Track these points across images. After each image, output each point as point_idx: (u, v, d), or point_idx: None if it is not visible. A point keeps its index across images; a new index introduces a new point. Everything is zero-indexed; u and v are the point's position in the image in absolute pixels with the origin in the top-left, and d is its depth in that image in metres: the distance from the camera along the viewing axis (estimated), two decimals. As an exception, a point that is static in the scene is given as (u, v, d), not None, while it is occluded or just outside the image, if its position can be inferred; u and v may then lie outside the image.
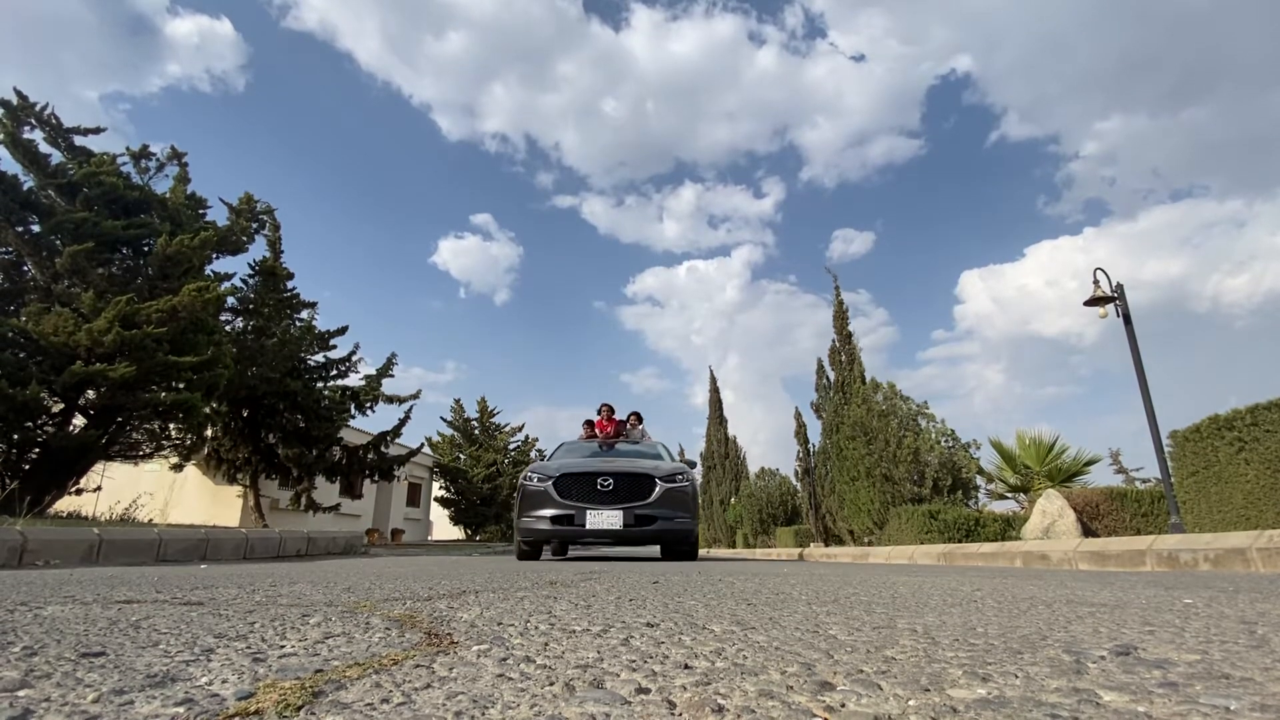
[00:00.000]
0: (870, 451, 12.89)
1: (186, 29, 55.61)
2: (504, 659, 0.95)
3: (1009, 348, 74.13)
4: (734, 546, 22.93)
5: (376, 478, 16.78)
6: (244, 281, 14.79)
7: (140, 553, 5.00)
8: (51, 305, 8.89)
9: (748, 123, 70.66)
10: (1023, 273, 65.23)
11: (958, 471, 12.62)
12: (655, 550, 10.51)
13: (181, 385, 9.98)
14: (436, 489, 26.96)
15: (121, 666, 0.88)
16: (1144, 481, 19.07)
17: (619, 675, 0.84)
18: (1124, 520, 9.27)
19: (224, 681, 0.80)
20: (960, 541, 9.28)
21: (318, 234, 59.34)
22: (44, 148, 9.75)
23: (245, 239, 12.24)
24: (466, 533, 26.01)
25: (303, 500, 14.78)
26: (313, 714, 0.65)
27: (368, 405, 15.74)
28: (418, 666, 0.89)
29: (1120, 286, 8.45)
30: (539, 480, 6.46)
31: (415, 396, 16.63)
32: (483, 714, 0.66)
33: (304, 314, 15.80)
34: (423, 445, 21.57)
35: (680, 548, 6.80)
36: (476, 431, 28.00)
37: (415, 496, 27.02)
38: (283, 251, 15.40)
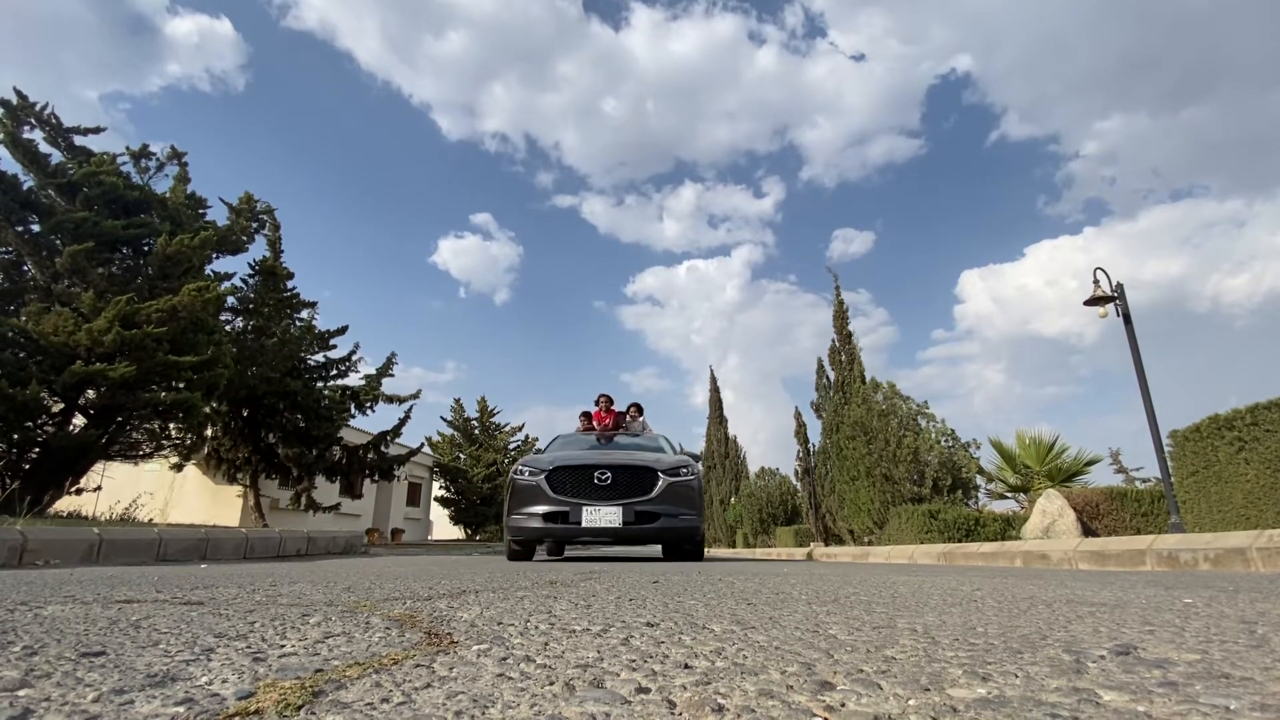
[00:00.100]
0: (870, 451, 12.89)
1: (186, 28, 55.62)
2: (504, 658, 0.95)
3: (1009, 347, 74.15)
4: (734, 546, 22.92)
5: (376, 477, 16.79)
6: (244, 281, 14.81)
7: (140, 552, 5.00)
8: (51, 305, 8.89)
9: (748, 122, 70.68)
10: (1023, 272, 65.25)
11: (958, 471, 12.63)
12: (658, 550, 10.02)
13: (181, 385, 9.98)
14: (436, 489, 26.97)
15: (121, 666, 0.88)
16: (1144, 481, 19.07)
17: (619, 675, 0.84)
18: (1124, 520, 9.27)
19: (224, 681, 0.80)
20: (960, 541, 9.28)
21: (318, 234, 59.36)
22: (44, 147, 9.76)
23: (245, 239, 12.25)
24: (466, 532, 26.02)
25: (303, 500, 14.79)
26: (313, 713, 0.65)
27: (368, 405, 15.75)
28: (418, 666, 0.89)
29: (1120, 286, 8.45)
30: (530, 474, 5.95)
31: (415, 396, 16.65)
32: (483, 713, 0.66)
33: (304, 314, 15.82)
34: (423, 445, 21.59)
35: (684, 547, 6.33)
36: (476, 431, 28.00)
37: (415, 496, 27.02)
38: (283, 251, 15.41)
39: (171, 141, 18.00)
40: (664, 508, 5.71)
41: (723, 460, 25.60)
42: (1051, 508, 9.17)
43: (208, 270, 11.59)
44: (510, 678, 0.82)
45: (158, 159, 11.44)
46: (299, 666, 0.88)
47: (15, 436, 8.47)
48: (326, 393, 15.25)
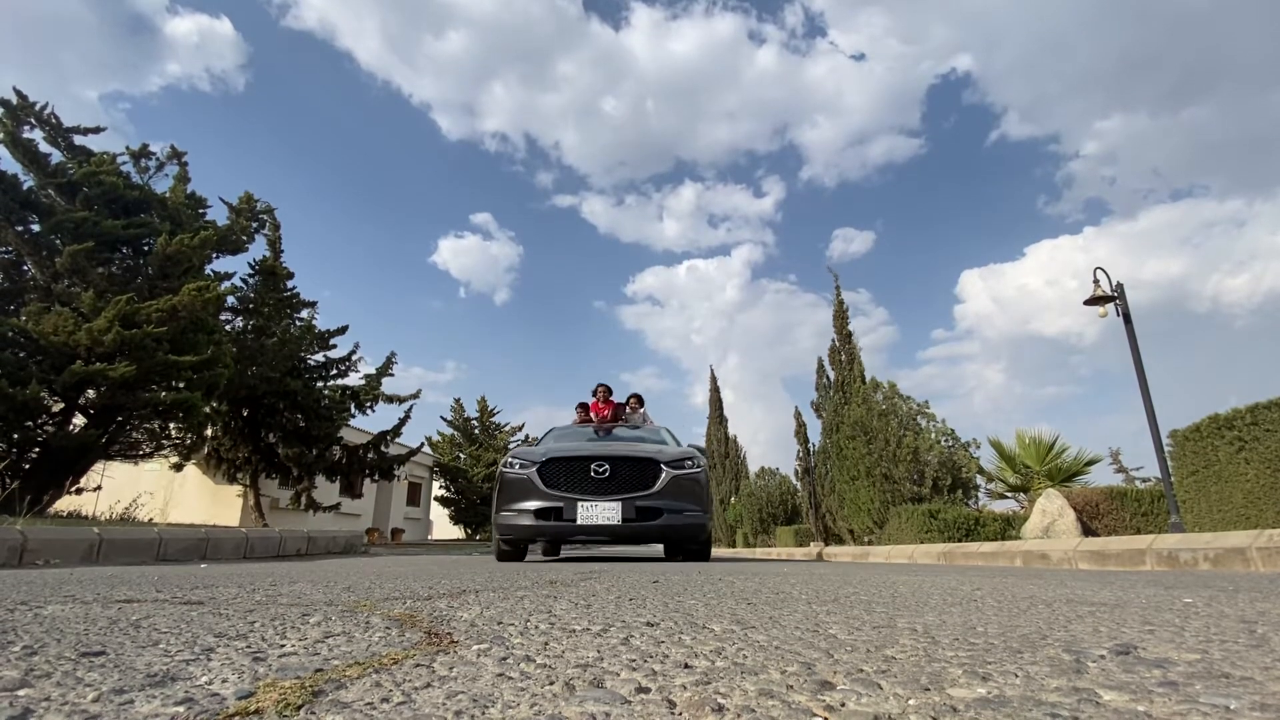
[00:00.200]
0: (870, 451, 12.90)
1: (186, 28, 55.67)
2: (504, 658, 0.95)
3: (1009, 347, 74.21)
4: (734, 546, 22.92)
5: (376, 477, 16.79)
6: (244, 281, 14.82)
7: (140, 552, 5.00)
8: (51, 305, 8.89)
9: (748, 122, 70.76)
10: (1023, 272, 65.31)
11: (957, 471, 12.64)
12: (660, 549, 9.56)
13: (181, 385, 9.98)
14: (436, 488, 26.98)
15: (121, 666, 0.88)
16: (1144, 481, 19.06)
17: (619, 674, 0.84)
18: (1124, 519, 9.27)
19: (224, 681, 0.80)
20: (960, 541, 9.29)
21: (318, 234, 59.43)
22: (44, 147, 9.77)
23: (245, 238, 12.25)
24: (466, 532, 26.02)
25: (303, 500, 14.79)
26: (313, 713, 0.65)
27: (368, 405, 15.75)
28: (418, 666, 0.89)
29: (1120, 286, 8.45)
30: (521, 467, 5.43)
31: (415, 396, 16.66)
32: (483, 713, 0.66)
33: (304, 313, 15.83)
34: (423, 445, 21.59)
35: (689, 546, 5.79)
36: (476, 431, 28.00)
37: (415, 496, 27.03)
38: (283, 251, 15.42)
39: (171, 141, 18.00)
40: (667, 503, 5.24)
41: (723, 460, 25.61)
42: (1051, 507, 9.17)
43: (208, 270, 11.59)
44: (510, 677, 0.82)
45: (158, 159, 11.44)
46: (299, 666, 0.88)
47: (15, 436, 8.47)
48: (326, 392, 15.26)
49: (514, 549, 5.64)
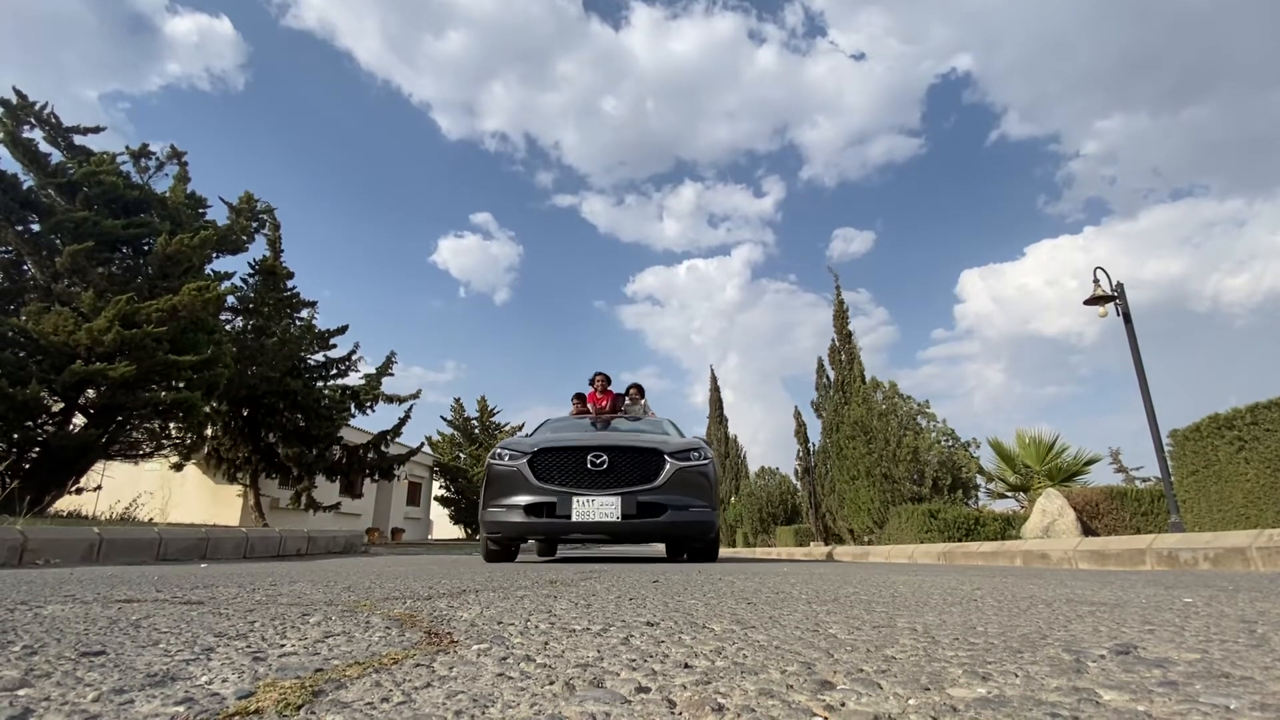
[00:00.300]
0: (870, 451, 12.90)
1: (186, 28, 55.72)
2: (504, 658, 0.95)
3: (1009, 347, 74.22)
4: (734, 546, 22.92)
5: (376, 477, 16.79)
6: (244, 281, 14.82)
7: (140, 552, 5.00)
8: (51, 304, 8.89)
9: (748, 121, 70.82)
10: (1023, 272, 65.35)
11: (957, 471, 12.64)
12: (661, 549, 9.22)
13: (181, 384, 9.98)
14: (436, 488, 26.98)
15: (121, 665, 0.88)
16: (1144, 481, 19.07)
17: (619, 674, 0.84)
18: (1124, 519, 9.27)
19: (224, 680, 0.80)
20: (960, 540, 9.29)
21: (318, 233, 59.53)
22: (44, 147, 9.77)
23: (245, 238, 12.25)
24: (466, 532, 26.01)
25: (303, 499, 14.79)
26: (313, 713, 0.65)
27: (368, 404, 15.75)
28: (418, 665, 0.89)
29: (1120, 286, 8.45)
30: (510, 458, 4.99)
31: (415, 396, 16.65)
32: (483, 713, 0.66)
33: (304, 313, 15.83)
34: (423, 444, 21.58)
35: (695, 545, 5.33)
36: (476, 431, 27.99)
37: (415, 496, 27.03)
38: (283, 251, 15.42)
39: (171, 141, 18.01)
40: (672, 498, 4.79)
41: (723, 460, 25.59)
42: (1051, 507, 9.17)
43: (208, 270, 11.59)
44: (510, 677, 0.82)
45: (157, 158, 11.44)
46: (299, 666, 0.88)
47: (15, 436, 8.47)
48: (326, 392, 15.26)
49: (503, 549, 5.21)
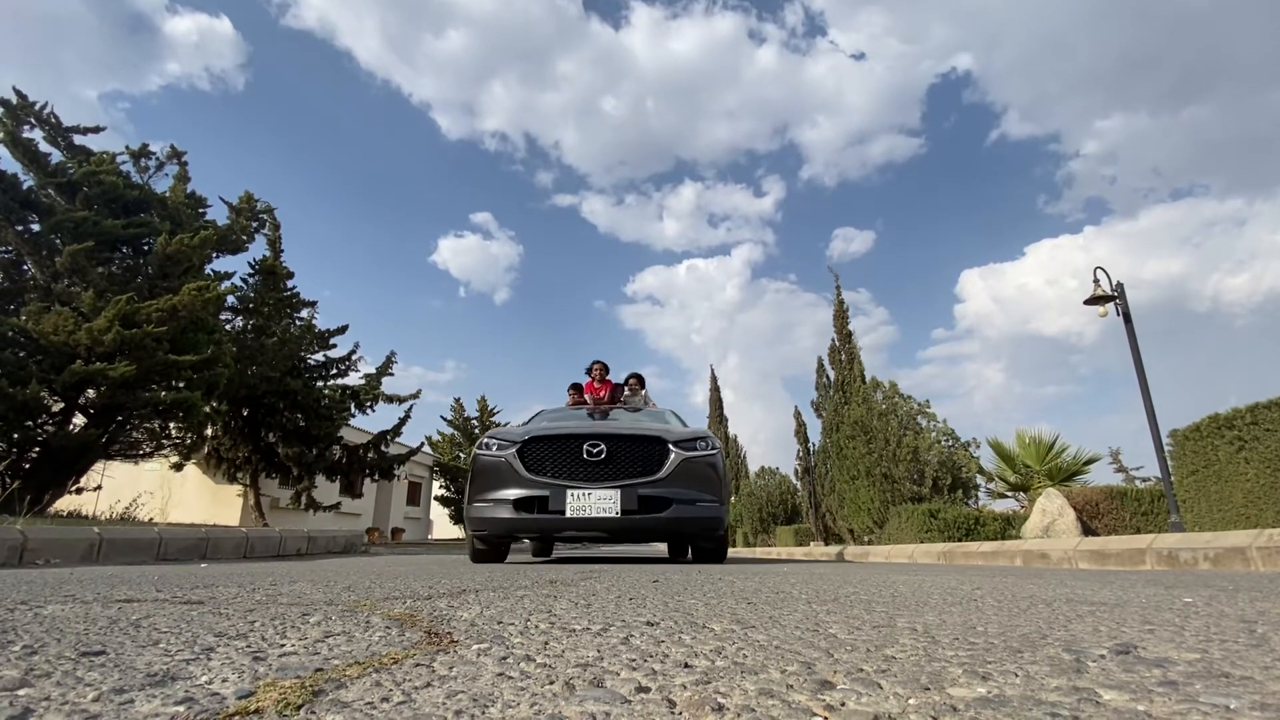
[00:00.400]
0: (870, 450, 12.90)
1: (185, 27, 55.73)
2: (504, 658, 0.95)
3: (1009, 347, 74.25)
4: (734, 546, 22.92)
5: (376, 477, 16.79)
6: (244, 280, 14.82)
7: (140, 552, 5.00)
8: (51, 304, 8.89)
9: (748, 121, 70.85)
10: (1023, 271, 65.38)
11: (957, 470, 12.65)
12: (662, 548, 9.08)
13: (181, 384, 9.98)
14: (436, 488, 26.97)
15: (122, 665, 0.88)
16: (1144, 480, 19.08)
17: (619, 674, 0.84)
18: (1124, 519, 9.27)
19: (224, 680, 0.80)
20: (960, 540, 9.29)
21: (318, 233, 59.58)
22: (44, 147, 9.76)
23: (245, 238, 12.24)
24: (467, 532, 25.99)
25: (303, 499, 14.79)
26: (313, 713, 0.65)
27: (368, 404, 15.75)
28: (418, 665, 0.89)
29: (1120, 285, 8.45)
30: (498, 448, 4.55)
31: (415, 396, 16.65)
32: (483, 713, 0.66)
33: (304, 313, 15.83)
34: (423, 444, 21.58)
35: (703, 544, 4.90)
36: (477, 431, 27.96)
37: (415, 495, 27.03)
38: (283, 250, 15.41)
39: (171, 140, 17.99)
40: (677, 491, 4.35)
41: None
42: (1051, 507, 9.17)
43: (208, 269, 11.58)
44: (510, 677, 0.82)
45: (157, 158, 11.44)
46: (299, 666, 0.88)
47: (15, 436, 8.47)
48: (326, 392, 15.26)
49: (491, 548, 4.78)
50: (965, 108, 59.71)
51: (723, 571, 3.50)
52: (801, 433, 18.09)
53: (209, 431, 13.56)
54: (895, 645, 1.05)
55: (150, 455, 10.82)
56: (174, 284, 9.90)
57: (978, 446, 13.45)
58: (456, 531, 26.74)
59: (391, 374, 16.30)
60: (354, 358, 16.17)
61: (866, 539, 12.95)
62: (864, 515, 12.96)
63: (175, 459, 11.82)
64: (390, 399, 16.17)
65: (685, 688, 0.76)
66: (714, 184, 73.86)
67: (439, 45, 64.33)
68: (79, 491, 9.56)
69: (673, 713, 0.66)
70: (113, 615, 1.43)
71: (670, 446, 4.50)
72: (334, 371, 15.90)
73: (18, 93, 9.63)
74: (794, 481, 20.31)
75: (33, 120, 9.80)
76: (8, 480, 8.26)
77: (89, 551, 4.60)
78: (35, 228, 9.51)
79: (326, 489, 16.57)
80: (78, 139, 10.36)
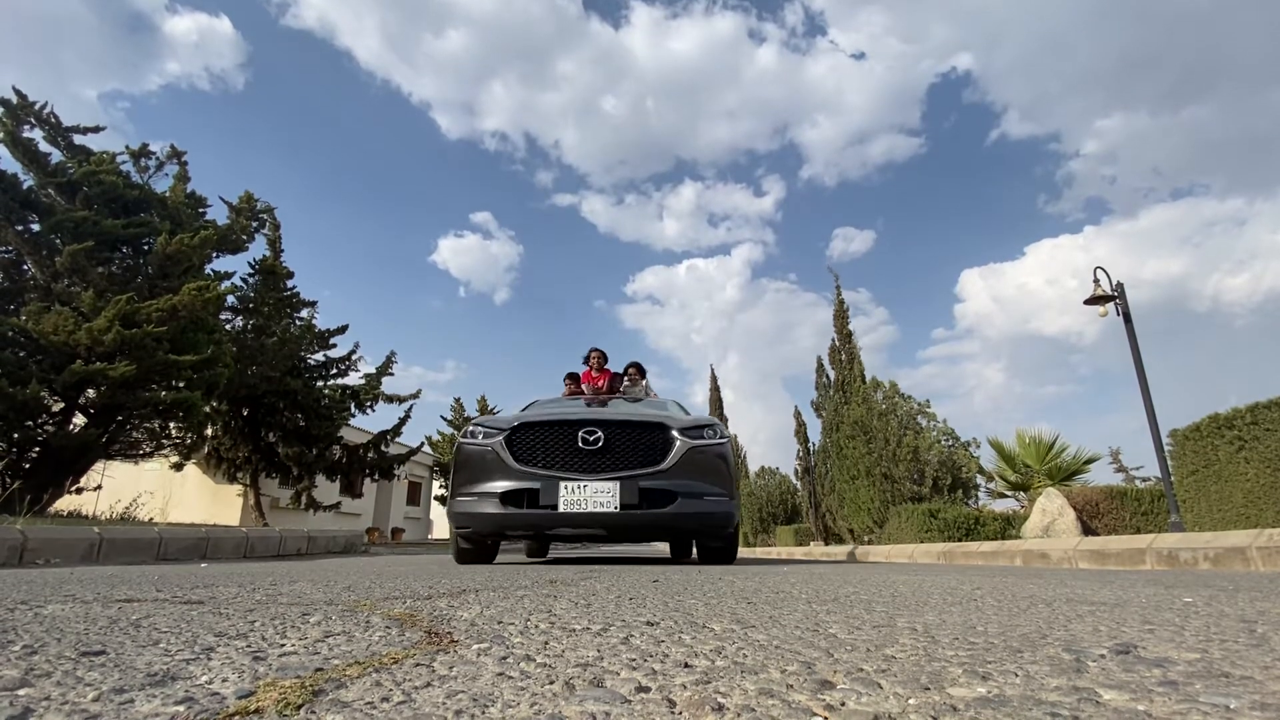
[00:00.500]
0: (870, 450, 12.90)
1: (185, 27, 55.74)
2: (504, 657, 0.95)
3: (1009, 346, 74.28)
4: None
5: (377, 476, 16.79)
6: (244, 280, 14.83)
7: (141, 551, 5.00)
8: (51, 304, 8.89)
9: (748, 121, 70.87)
10: (1023, 271, 65.39)
11: (957, 470, 12.65)
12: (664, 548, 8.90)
13: (182, 384, 9.98)
14: (437, 488, 26.94)
15: (122, 665, 0.88)
16: (1144, 480, 19.09)
17: (619, 674, 0.84)
18: (1124, 519, 9.27)
19: (224, 680, 0.80)
20: (960, 540, 9.29)
21: (318, 232, 59.61)
22: (43, 146, 9.77)
23: (245, 238, 12.25)
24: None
25: (303, 499, 14.80)
26: (313, 712, 0.65)
27: (368, 404, 15.76)
28: (418, 665, 0.89)
29: (1120, 285, 8.45)
30: (484, 436, 4.07)
31: (415, 396, 16.65)
32: (483, 712, 0.66)
33: (304, 313, 15.84)
34: (423, 444, 21.57)
35: (711, 543, 4.46)
36: (476, 430, 27.97)
37: (415, 495, 27.03)
38: (283, 250, 15.42)
39: (171, 140, 17.99)
40: (683, 483, 3.90)
41: (723, 459, 25.59)
42: (1051, 506, 9.17)
43: (208, 269, 11.59)
44: (510, 677, 0.82)
45: (157, 158, 11.44)
46: (299, 665, 0.88)
47: (16, 436, 8.47)
48: (326, 392, 15.27)
49: (477, 547, 4.35)
50: (965, 107, 59.80)
51: (723, 571, 3.50)
52: (801, 432, 18.10)
53: (209, 431, 13.57)
54: (895, 645, 1.05)
55: (150, 455, 10.82)
56: (174, 284, 9.90)
57: (978, 446, 13.47)
58: (456, 531, 26.74)
59: (391, 374, 16.32)
60: (354, 357, 16.19)
61: (866, 539, 12.96)
62: (864, 515, 12.96)
63: (175, 459, 11.83)
64: (390, 399, 16.18)
65: (685, 687, 0.76)
66: (714, 184, 73.94)
67: (439, 45, 64.39)
68: (79, 491, 9.56)
69: (673, 712, 0.66)
70: (113, 615, 1.43)
71: (675, 434, 4.05)
72: (334, 371, 15.91)
73: (18, 92, 9.64)
74: (794, 481, 20.33)
75: (33, 120, 9.81)
76: (8, 480, 8.26)
77: (89, 551, 4.60)
78: (35, 228, 9.51)
79: (326, 489, 16.58)
80: (78, 139, 10.37)
